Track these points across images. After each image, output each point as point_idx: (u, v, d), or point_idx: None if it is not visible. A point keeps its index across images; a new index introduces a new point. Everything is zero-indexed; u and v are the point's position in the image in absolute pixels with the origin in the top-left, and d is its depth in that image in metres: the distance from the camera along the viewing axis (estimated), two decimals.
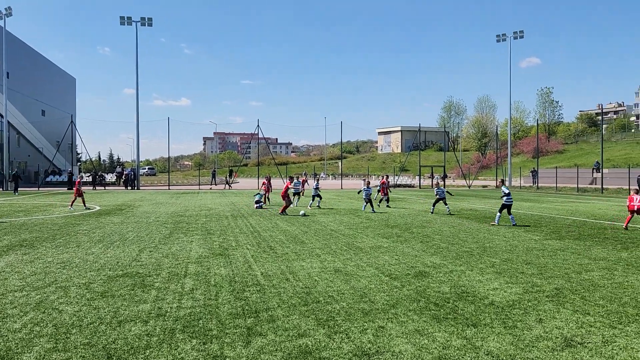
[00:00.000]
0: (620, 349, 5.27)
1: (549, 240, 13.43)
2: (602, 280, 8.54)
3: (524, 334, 5.73)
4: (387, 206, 25.17)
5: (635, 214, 15.65)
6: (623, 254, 11.15)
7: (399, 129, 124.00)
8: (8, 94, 52.02)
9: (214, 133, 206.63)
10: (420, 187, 55.52)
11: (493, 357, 5.03)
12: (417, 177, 61.73)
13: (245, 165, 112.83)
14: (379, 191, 26.84)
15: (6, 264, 9.79)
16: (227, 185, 53.04)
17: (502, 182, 18.56)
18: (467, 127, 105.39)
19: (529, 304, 7.00)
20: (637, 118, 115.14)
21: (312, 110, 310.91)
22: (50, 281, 8.30)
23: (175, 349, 5.19)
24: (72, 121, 52.70)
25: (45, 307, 6.73)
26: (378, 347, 5.29)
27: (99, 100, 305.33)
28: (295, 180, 25.45)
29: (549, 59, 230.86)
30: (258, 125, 54.62)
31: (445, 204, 21.61)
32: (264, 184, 28.20)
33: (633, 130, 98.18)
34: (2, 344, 5.34)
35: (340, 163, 72.81)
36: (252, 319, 6.25)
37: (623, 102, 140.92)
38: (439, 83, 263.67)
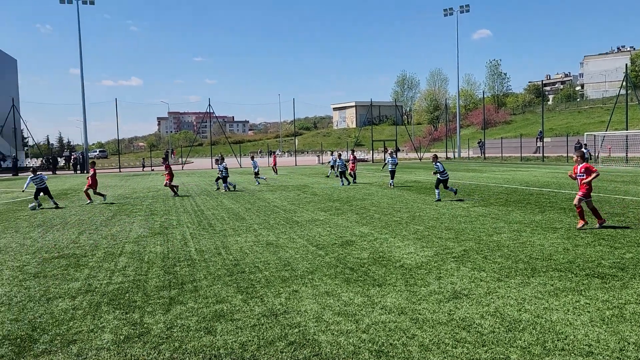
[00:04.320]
0: (498, 297, 6.03)
1: (476, 207, 14.37)
2: (508, 241, 9.41)
3: (420, 290, 6.43)
4: (354, 182, 24.73)
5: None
6: (537, 217, 12.14)
7: (354, 104, 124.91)
8: None
9: (168, 113, 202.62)
10: (373, 162, 56.62)
11: (386, 310, 5.69)
12: (370, 152, 62.79)
13: (200, 144, 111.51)
14: (339, 166, 24.82)
15: None
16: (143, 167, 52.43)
17: (435, 157, 17.50)
18: (419, 101, 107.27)
19: (435, 264, 7.74)
20: (582, 88, 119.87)
21: (268, 88, 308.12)
22: None
23: (98, 319, 5.62)
24: (13, 104, 50.79)
25: None
26: (287, 308, 5.86)
27: (44, 81, 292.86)
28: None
29: (500, 30, 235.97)
30: (209, 104, 54.22)
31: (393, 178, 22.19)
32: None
33: (578, 100, 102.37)
34: None
35: (295, 139, 73.18)
36: (176, 290, 6.71)
37: (570, 73, 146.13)
38: (394, 57, 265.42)
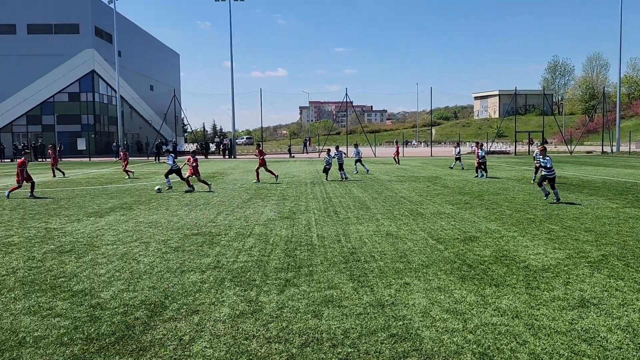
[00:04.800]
0: (634, 311, 5.37)
1: (627, 208, 12.85)
2: None
3: (542, 294, 5.97)
4: (485, 176, 22.87)
5: None
6: None
7: (497, 92, 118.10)
8: (120, 71, 56.89)
9: (310, 102, 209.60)
10: (515, 154, 53.23)
11: (499, 312, 5.39)
12: (513, 144, 59.07)
13: (338, 133, 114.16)
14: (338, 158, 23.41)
15: (106, 223, 11.43)
16: (290, 154, 54.52)
17: (544, 150, 14.91)
18: (573, 89, 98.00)
19: (565, 268, 7.11)
20: None
21: (408, 76, 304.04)
22: (137, 237, 9.68)
23: (220, 294, 6.12)
24: (174, 95, 56.62)
25: (127, 258, 8.01)
26: (395, 299, 5.84)
27: (201, 74, 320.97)
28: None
29: None
30: (346, 94, 55.13)
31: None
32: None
33: None
34: (87, 283, 6.60)
35: (431, 130, 71.41)
36: (293, 273, 7.04)
37: None
38: (543, 43, 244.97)
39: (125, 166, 25.83)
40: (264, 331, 4.94)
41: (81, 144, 56.95)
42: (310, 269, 7.24)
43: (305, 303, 5.75)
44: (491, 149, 57.11)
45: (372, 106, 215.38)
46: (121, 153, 26.93)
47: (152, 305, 5.74)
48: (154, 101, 75.13)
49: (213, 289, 6.31)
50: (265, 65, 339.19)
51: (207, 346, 4.60)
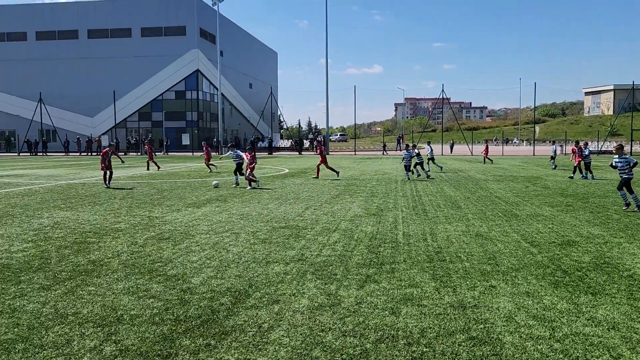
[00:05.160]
0: None
1: None
2: None
3: None
4: (583, 176, 21.42)
5: None
6: None
7: (612, 87, 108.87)
8: (221, 70, 59.84)
9: (405, 99, 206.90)
10: (631, 154, 48.82)
11: (593, 322, 5.00)
12: (629, 143, 54.23)
13: (434, 130, 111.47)
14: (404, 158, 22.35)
15: (202, 213, 12.10)
16: (384, 151, 53.99)
17: (621, 147, 12.94)
18: None
19: None
20: None
21: (511, 71, 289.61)
22: (228, 228, 10.15)
23: (301, 286, 6.25)
24: (271, 92, 58.52)
25: (218, 247, 8.43)
26: (478, 302, 5.62)
27: (298, 71, 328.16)
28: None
29: None
30: (442, 90, 53.71)
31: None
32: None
33: None
34: (180, 269, 7.04)
35: (534, 127, 67.52)
36: (374, 269, 7.01)
37: None
38: None
39: (208, 160, 27.02)
40: (340, 324, 4.98)
41: (185, 139, 60.68)
42: (393, 266, 7.17)
43: (384, 300, 5.71)
44: (602, 149, 52.92)
45: (470, 103, 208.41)
46: (204, 147, 28.31)
47: (237, 292, 6.00)
48: (252, 98, 78.16)
49: (295, 281, 6.46)
50: (361, 62, 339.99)
51: (284, 335, 4.73)
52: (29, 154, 56.79)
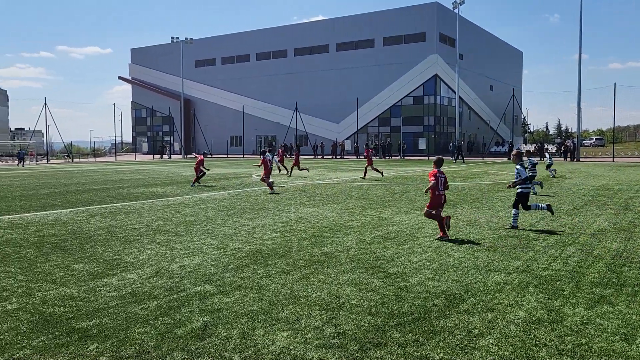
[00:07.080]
0: None
1: None
2: None
3: None
4: None
5: None
6: None
7: None
8: (460, 73, 59.09)
9: None
10: None
11: None
12: None
13: None
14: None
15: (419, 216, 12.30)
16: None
17: None
18: None
19: None
20: None
21: None
22: (453, 233, 10.11)
23: (521, 297, 5.96)
24: (512, 94, 55.36)
25: (440, 251, 8.53)
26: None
27: (547, 70, 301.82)
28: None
29: None
30: None
31: None
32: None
33: None
34: (400, 268, 7.39)
35: None
36: (612, 290, 6.24)
37: None
38: None
39: (296, 164, 27.78)
40: (557, 342, 4.64)
41: (422, 144, 61.72)
42: (637, 289, 6.27)
43: (617, 324, 5.08)
44: None
45: None
46: (279, 151, 28.50)
47: (452, 296, 6.05)
48: (493, 101, 75.15)
49: (514, 292, 6.19)
50: (626, 55, 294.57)
51: (494, 343, 4.63)
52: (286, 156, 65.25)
